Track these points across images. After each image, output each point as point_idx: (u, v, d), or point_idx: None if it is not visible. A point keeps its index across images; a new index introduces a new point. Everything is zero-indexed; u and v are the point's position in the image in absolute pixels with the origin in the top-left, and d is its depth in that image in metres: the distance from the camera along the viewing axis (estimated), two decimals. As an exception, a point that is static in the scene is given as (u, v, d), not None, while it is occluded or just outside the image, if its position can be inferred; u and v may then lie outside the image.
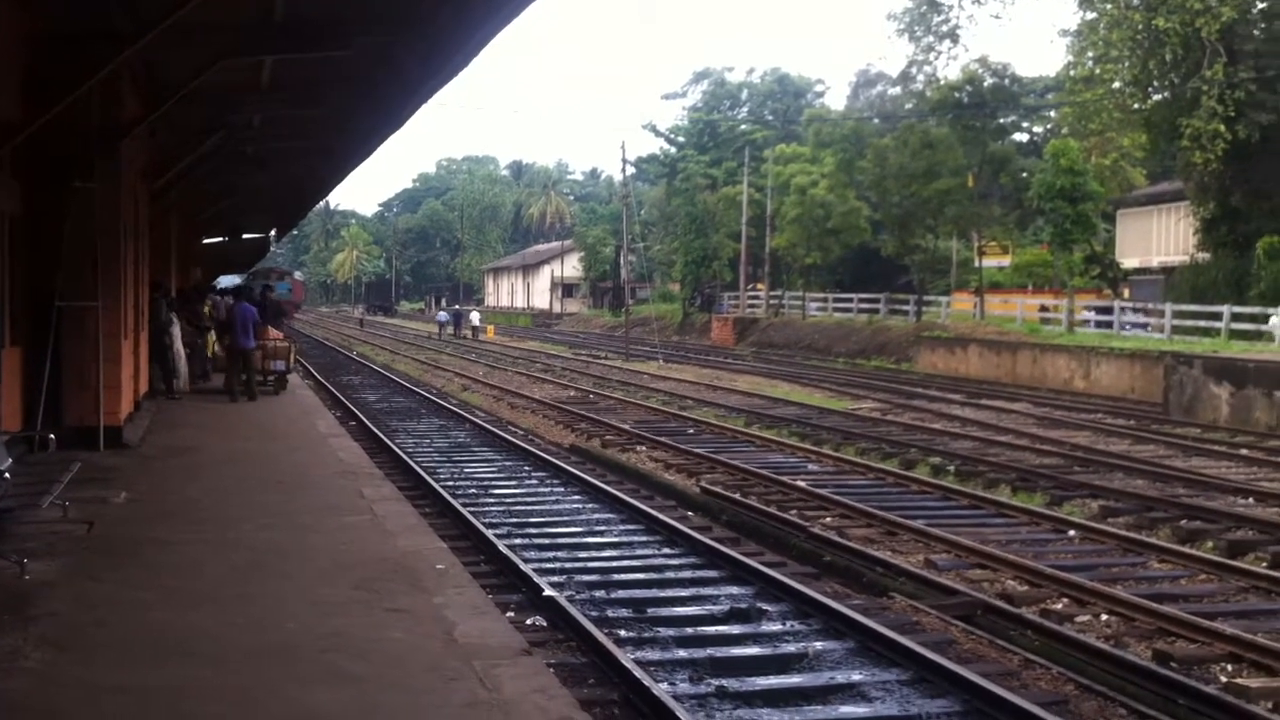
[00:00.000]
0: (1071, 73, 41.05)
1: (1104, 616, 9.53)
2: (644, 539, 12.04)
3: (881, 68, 71.07)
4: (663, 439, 19.52)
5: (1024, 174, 45.43)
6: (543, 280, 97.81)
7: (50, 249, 12.84)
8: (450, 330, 66.15)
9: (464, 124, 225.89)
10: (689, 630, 8.78)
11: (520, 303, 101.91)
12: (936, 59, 49.03)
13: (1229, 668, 8.36)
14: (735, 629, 8.84)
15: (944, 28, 48.28)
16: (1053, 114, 51.31)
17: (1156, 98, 37.34)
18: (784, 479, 15.44)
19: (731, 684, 7.50)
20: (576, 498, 14.40)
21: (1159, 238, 43.68)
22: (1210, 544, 12.30)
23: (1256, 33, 35.13)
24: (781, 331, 51.76)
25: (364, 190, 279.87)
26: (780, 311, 55.80)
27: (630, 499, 13.66)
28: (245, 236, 35.40)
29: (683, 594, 9.85)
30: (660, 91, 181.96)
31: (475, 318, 67.63)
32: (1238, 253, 35.20)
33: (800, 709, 7.21)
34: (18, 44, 11.63)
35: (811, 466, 17.31)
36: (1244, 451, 19.39)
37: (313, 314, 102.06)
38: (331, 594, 7.40)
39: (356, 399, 26.45)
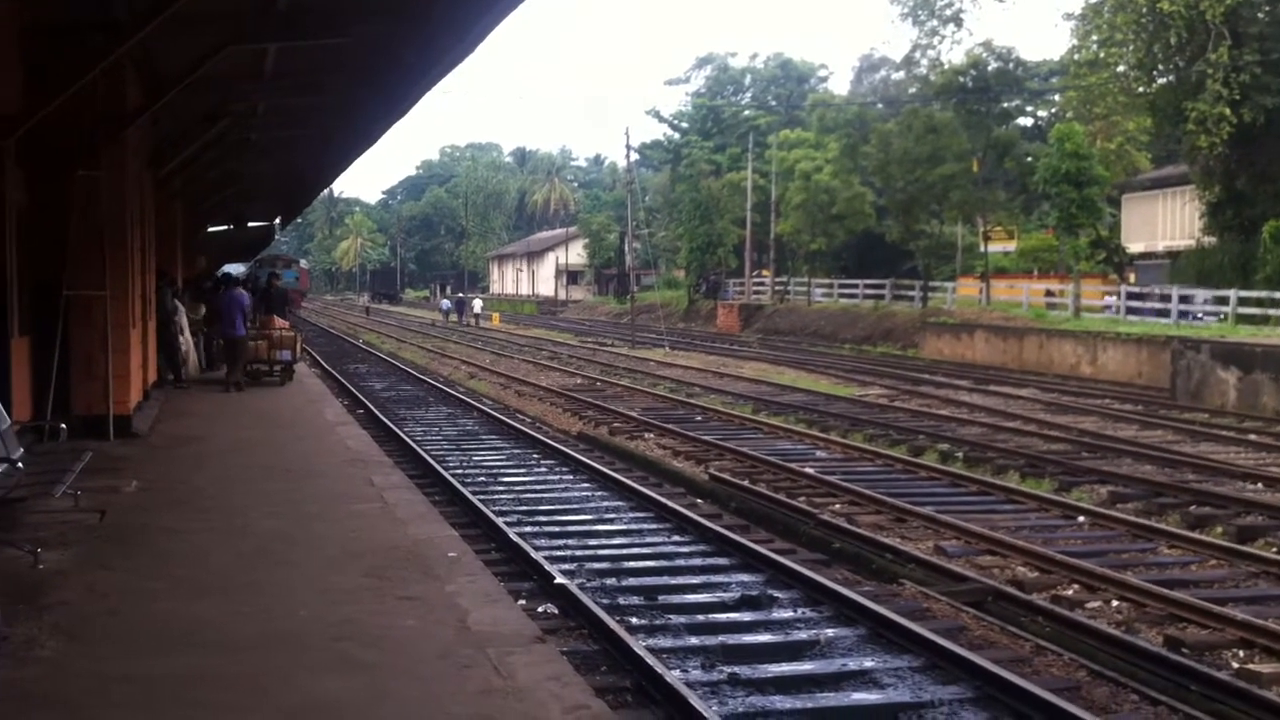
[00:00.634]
0: (1076, 56, 40.98)
1: (1115, 602, 9.52)
2: (653, 526, 12.04)
3: (885, 52, 70.96)
4: (670, 426, 19.51)
5: (1029, 158, 45.36)
6: (547, 267, 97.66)
7: (57, 238, 12.85)
8: (454, 317, 67.10)
9: (468, 111, 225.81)
10: (700, 618, 8.77)
11: (525, 290, 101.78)
12: (940, 43, 49.10)
13: (1240, 653, 8.36)
14: (746, 616, 8.84)
15: (948, 12, 48.31)
16: (1057, 98, 51.22)
17: (1161, 81, 37.21)
18: (792, 466, 15.42)
19: (744, 671, 7.49)
20: (585, 485, 14.39)
21: (1164, 222, 43.55)
22: (1220, 529, 12.28)
23: (1261, 15, 34.97)
24: (787, 318, 51.67)
25: (368, 178, 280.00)
26: (785, 298, 55.72)
27: (639, 486, 13.65)
28: (250, 225, 35.40)
29: (693, 581, 9.86)
30: (664, 77, 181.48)
31: (477, 305, 68.50)
32: (1243, 236, 35.11)
33: (813, 695, 7.20)
34: (20, 35, 11.60)
35: (819, 453, 17.28)
36: (1252, 436, 19.36)
37: (318, 302, 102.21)
38: (342, 582, 7.39)
39: (363, 387, 26.45)
